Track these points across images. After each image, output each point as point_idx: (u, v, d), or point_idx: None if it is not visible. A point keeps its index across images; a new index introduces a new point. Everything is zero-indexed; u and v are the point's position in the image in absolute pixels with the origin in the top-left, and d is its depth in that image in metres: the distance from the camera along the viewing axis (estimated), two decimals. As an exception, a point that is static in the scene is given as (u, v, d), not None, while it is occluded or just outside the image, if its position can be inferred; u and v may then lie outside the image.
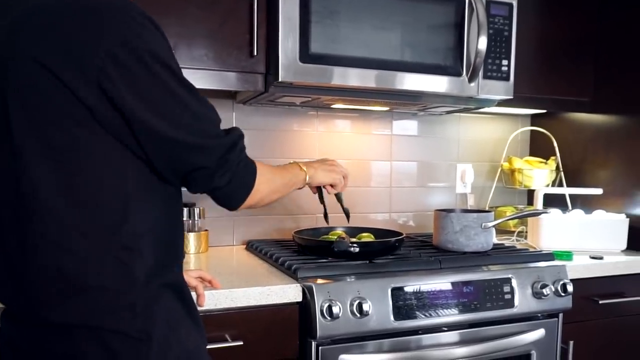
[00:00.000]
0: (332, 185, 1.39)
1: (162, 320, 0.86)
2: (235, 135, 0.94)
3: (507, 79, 1.71)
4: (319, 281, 1.32)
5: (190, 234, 1.72)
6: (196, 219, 1.75)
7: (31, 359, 0.84)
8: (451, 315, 1.41)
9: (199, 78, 1.47)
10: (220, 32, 1.47)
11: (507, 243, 1.90)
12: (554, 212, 1.89)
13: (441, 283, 1.42)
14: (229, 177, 0.92)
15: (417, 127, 2.16)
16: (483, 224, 1.62)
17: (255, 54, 1.48)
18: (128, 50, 0.78)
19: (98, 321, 0.82)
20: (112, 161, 0.82)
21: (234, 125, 1.01)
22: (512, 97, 1.73)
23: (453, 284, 1.43)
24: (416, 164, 2.17)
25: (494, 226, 1.65)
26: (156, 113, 0.81)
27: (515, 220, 2.05)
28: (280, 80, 1.44)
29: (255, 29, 1.48)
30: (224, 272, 1.50)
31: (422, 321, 1.37)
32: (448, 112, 2.04)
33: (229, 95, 1.82)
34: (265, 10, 1.49)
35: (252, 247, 1.77)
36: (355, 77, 1.52)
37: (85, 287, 0.81)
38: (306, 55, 1.46)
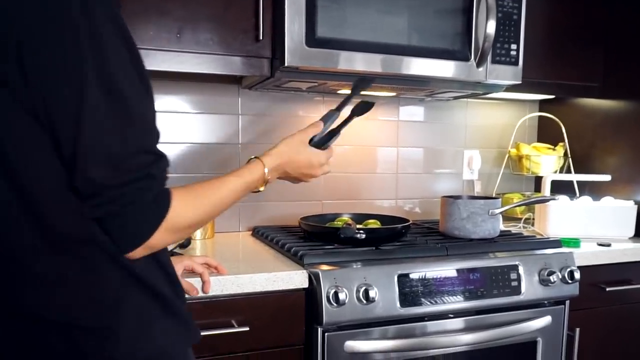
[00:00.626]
0: None
1: (131, 317, 0.82)
2: (139, 168, 0.75)
3: (515, 63, 1.69)
4: (325, 267, 1.31)
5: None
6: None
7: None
8: (457, 302, 1.40)
9: (204, 62, 1.45)
10: (225, 15, 1.46)
11: (514, 230, 1.89)
12: (562, 198, 1.88)
13: (447, 270, 1.42)
14: (105, 210, 0.74)
15: (424, 113, 2.14)
16: (490, 211, 1.61)
17: (261, 38, 1.47)
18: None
19: (66, 316, 0.79)
20: None
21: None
22: (520, 82, 1.71)
23: (459, 270, 1.43)
24: (423, 150, 2.16)
25: (501, 213, 1.64)
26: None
27: (523, 207, 2.04)
28: (286, 64, 1.42)
29: (260, 12, 1.46)
30: (230, 258, 1.50)
31: (428, 308, 1.37)
32: (455, 98, 2.02)
33: (234, 80, 1.80)
34: (270, -7, 1.47)
35: (258, 233, 1.77)
36: (362, 62, 1.51)
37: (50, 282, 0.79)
38: (312, 39, 1.44)
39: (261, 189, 1.03)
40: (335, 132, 1.16)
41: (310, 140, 1.12)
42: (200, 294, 1.21)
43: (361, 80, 1.17)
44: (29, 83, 0.70)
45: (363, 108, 1.18)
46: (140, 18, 1.38)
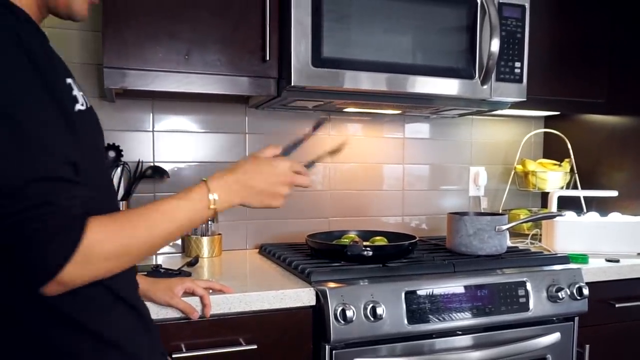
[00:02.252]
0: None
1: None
2: (37, 196, 0.68)
3: (520, 81, 1.70)
4: (333, 285, 1.32)
5: (203, 238, 1.73)
6: (209, 223, 1.76)
7: None
8: (465, 319, 1.40)
9: (212, 83, 1.48)
10: (233, 37, 1.48)
11: (521, 246, 1.89)
12: (569, 214, 1.87)
13: (455, 286, 1.42)
14: (4, 240, 0.69)
15: (429, 130, 2.16)
16: (497, 227, 1.62)
17: (268, 58, 1.49)
18: None
19: None
20: None
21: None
22: (525, 99, 1.72)
23: (467, 287, 1.43)
24: (429, 167, 2.17)
25: (508, 229, 1.64)
26: None
27: (530, 223, 2.04)
28: (292, 84, 1.45)
29: (267, 33, 1.48)
30: (238, 276, 1.51)
31: (436, 325, 1.37)
32: (461, 115, 2.04)
33: (241, 100, 1.83)
34: (277, 15, 1.50)
35: (265, 250, 1.78)
36: (367, 81, 1.53)
37: None
38: (318, 59, 1.46)
39: (212, 207, 0.87)
40: (308, 165, 1.07)
41: None
42: (211, 312, 1.21)
43: (318, 123, 1.14)
44: None
45: (336, 150, 1.16)
46: (150, 41, 1.41)
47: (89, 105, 0.84)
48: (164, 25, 1.42)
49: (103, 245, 0.73)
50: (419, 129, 2.14)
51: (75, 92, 0.80)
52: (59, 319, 0.77)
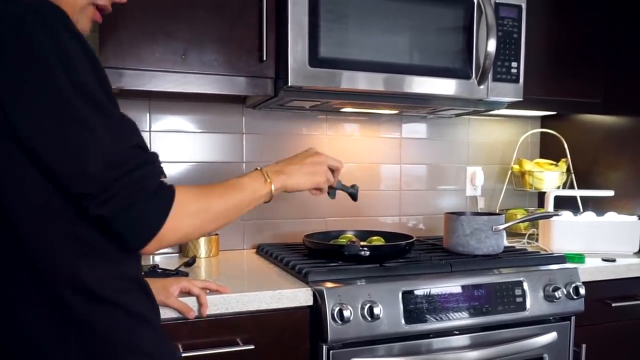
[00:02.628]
0: (317, 189, 1.17)
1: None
2: (135, 159, 0.77)
3: (516, 81, 1.71)
4: (330, 285, 1.32)
5: (200, 238, 1.73)
6: (207, 223, 1.76)
7: None
8: (462, 319, 1.40)
9: (209, 83, 1.48)
10: (230, 37, 1.48)
11: (518, 246, 1.90)
12: (565, 214, 1.88)
13: (452, 286, 1.42)
14: (112, 206, 0.75)
15: (426, 130, 2.16)
16: (494, 227, 1.62)
17: (265, 58, 1.49)
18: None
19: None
20: None
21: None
22: (522, 99, 1.72)
23: (464, 287, 1.43)
24: (426, 167, 2.17)
25: (504, 229, 1.65)
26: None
27: (526, 223, 2.04)
28: (289, 84, 1.45)
29: (264, 33, 1.48)
30: (235, 276, 1.51)
31: (433, 325, 1.37)
32: (457, 115, 2.04)
33: (238, 100, 1.82)
34: (274, 15, 1.50)
35: (263, 250, 1.78)
36: (364, 81, 1.53)
37: None
38: (315, 59, 1.46)
39: (268, 190, 1.01)
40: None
41: None
42: (208, 312, 1.21)
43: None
44: (8, 114, 0.72)
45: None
46: (146, 40, 1.41)
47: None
48: (161, 24, 1.42)
49: (190, 203, 0.83)
50: (416, 129, 2.14)
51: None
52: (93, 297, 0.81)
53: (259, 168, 1.04)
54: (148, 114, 1.77)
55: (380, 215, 2.10)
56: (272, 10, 1.50)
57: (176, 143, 1.81)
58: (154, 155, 0.81)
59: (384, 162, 2.09)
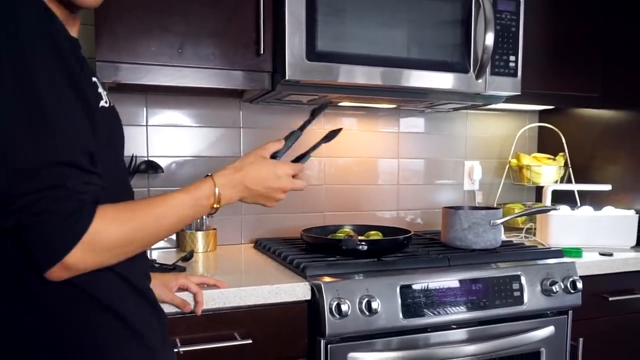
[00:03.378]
0: None
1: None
2: (53, 178, 0.70)
3: (514, 75, 1.70)
4: (328, 279, 1.32)
5: (198, 232, 1.72)
6: (204, 217, 1.76)
7: None
8: (460, 313, 1.40)
9: (206, 77, 1.47)
10: (226, 30, 1.47)
11: (515, 240, 1.90)
12: (563, 208, 1.88)
13: (450, 281, 1.42)
14: (14, 220, 0.70)
15: (424, 125, 2.16)
16: (491, 221, 1.62)
17: (262, 52, 1.48)
18: None
19: None
20: None
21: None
22: (519, 94, 1.72)
23: (462, 281, 1.43)
24: (423, 161, 2.16)
25: (502, 223, 1.65)
26: None
27: (524, 217, 2.04)
28: (287, 78, 1.44)
29: (261, 27, 1.48)
30: (233, 270, 1.50)
31: (430, 319, 1.37)
32: (455, 109, 2.04)
33: (235, 94, 1.82)
34: (271, 8, 1.49)
35: (261, 245, 1.78)
36: (362, 75, 1.52)
37: None
38: (313, 53, 1.45)
39: (216, 206, 0.91)
40: (304, 155, 1.09)
41: (273, 157, 1.02)
42: (206, 307, 1.21)
43: (321, 106, 1.14)
44: None
45: (331, 135, 1.14)
46: (142, 34, 1.40)
47: (111, 104, 0.88)
48: (157, 18, 1.41)
49: (110, 234, 0.75)
50: (414, 123, 2.14)
51: (100, 89, 0.85)
52: (74, 294, 0.78)
53: (210, 175, 0.92)
54: (145, 108, 1.76)
55: (378, 209, 2.10)
56: (269, 3, 1.49)
57: (173, 137, 1.80)
58: (83, 178, 0.73)
59: (382, 156, 2.09)
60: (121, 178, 0.92)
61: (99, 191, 0.75)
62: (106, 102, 0.85)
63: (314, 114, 1.13)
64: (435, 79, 1.61)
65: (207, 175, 0.93)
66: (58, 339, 0.79)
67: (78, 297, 0.79)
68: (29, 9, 0.72)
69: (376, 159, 2.08)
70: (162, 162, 1.76)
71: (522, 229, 2.05)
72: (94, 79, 0.83)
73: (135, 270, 0.87)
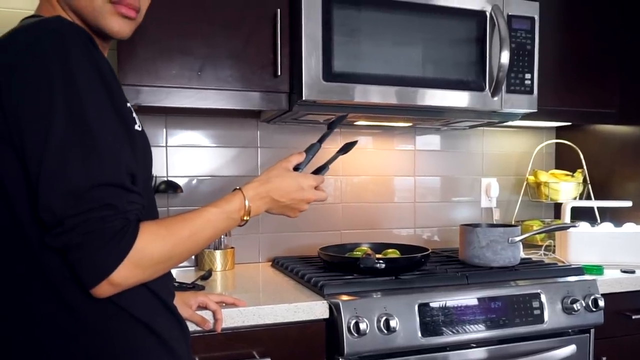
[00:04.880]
0: None
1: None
2: (99, 200, 0.74)
3: (530, 92, 1.70)
4: (345, 298, 1.32)
5: (216, 251, 1.74)
6: (222, 236, 1.77)
7: None
8: (479, 332, 1.39)
9: (224, 98, 1.50)
10: (245, 52, 1.50)
11: (534, 257, 1.88)
12: (583, 225, 1.86)
13: (468, 299, 1.41)
14: (65, 241, 0.74)
15: (440, 142, 2.16)
16: (510, 239, 1.61)
17: (279, 73, 1.51)
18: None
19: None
20: None
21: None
22: (536, 111, 1.72)
23: (481, 299, 1.42)
24: (440, 178, 2.16)
25: (521, 241, 1.64)
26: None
27: (543, 235, 2.02)
28: (304, 98, 1.46)
29: (278, 48, 1.50)
30: (251, 289, 1.51)
31: (449, 337, 1.36)
32: (471, 127, 2.04)
33: (253, 114, 1.84)
34: (287, 30, 1.52)
35: (278, 264, 1.78)
36: (378, 94, 1.54)
37: None
38: (329, 73, 1.48)
39: (246, 218, 0.95)
40: (323, 167, 1.12)
41: (295, 170, 1.06)
42: (224, 325, 1.22)
43: (338, 118, 1.18)
44: (8, 122, 0.75)
45: (347, 147, 1.17)
46: (163, 58, 1.44)
47: (142, 128, 0.92)
48: (177, 42, 1.45)
49: (152, 250, 0.79)
50: (430, 141, 2.14)
51: (134, 114, 0.88)
52: (115, 311, 0.82)
53: (239, 188, 0.97)
54: (165, 129, 1.80)
55: (394, 227, 2.10)
56: (286, 26, 1.52)
57: (192, 157, 1.83)
58: (128, 198, 0.77)
59: (398, 174, 2.10)
60: (151, 197, 0.96)
61: (140, 210, 0.80)
62: (139, 125, 0.89)
63: (331, 127, 1.16)
64: (451, 97, 1.62)
65: (236, 189, 0.97)
66: (97, 354, 0.81)
67: (117, 314, 0.82)
68: (77, 40, 0.77)
69: (392, 177, 2.09)
70: (182, 182, 1.79)
71: (541, 246, 2.03)
72: (128, 104, 0.87)
73: (164, 287, 0.90)
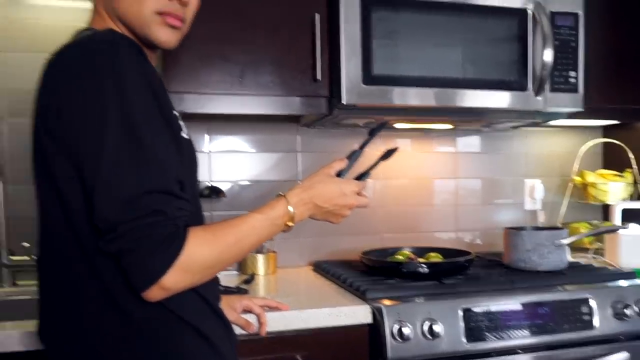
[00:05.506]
0: None
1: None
2: (150, 206, 0.76)
3: (575, 90, 1.66)
4: (389, 302, 1.31)
5: (259, 255, 1.75)
6: (264, 240, 1.79)
7: None
8: (525, 337, 1.36)
9: (265, 104, 1.52)
10: (285, 58, 1.52)
11: (583, 261, 1.82)
12: (634, 227, 1.79)
13: (514, 304, 1.38)
14: (118, 246, 0.77)
15: (481, 143, 2.12)
16: (557, 242, 1.57)
17: (319, 78, 1.51)
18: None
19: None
20: None
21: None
22: (582, 109, 1.67)
23: (527, 304, 1.39)
24: (482, 180, 2.13)
25: (568, 244, 1.59)
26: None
27: (591, 237, 1.96)
28: (344, 102, 1.46)
29: (318, 53, 1.51)
30: (293, 293, 1.52)
31: (495, 343, 1.33)
32: (514, 127, 2.00)
33: (292, 119, 1.85)
34: (327, 35, 1.53)
35: (320, 268, 1.79)
36: (418, 97, 1.52)
37: None
38: (369, 77, 1.47)
39: (290, 224, 0.96)
40: (365, 174, 1.13)
41: (338, 176, 1.07)
42: (268, 329, 1.23)
43: (379, 125, 1.19)
44: (65, 132, 0.79)
45: (388, 154, 1.17)
46: (205, 64, 1.47)
47: (189, 136, 0.94)
48: (219, 48, 1.47)
49: (201, 255, 0.81)
50: (471, 143, 2.11)
51: (180, 122, 0.91)
52: (165, 315, 0.84)
53: (282, 194, 0.97)
54: (207, 135, 1.83)
55: (435, 230, 2.07)
56: (325, 30, 1.52)
57: (234, 162, 1.85)
58: (177, 204, 0.79)
59: (439, 176, 2.07)
60: (197, 203, 0.98)
61: (188, 216, 0.82)
62: (186, 133, 0.92)
63: (372, 134, 1.16)
64: (493, 98, 1.59)
65: (279, 195, 0.98)
66: (147, 356, 0.84)
67: (167, 317, 0.84)
68: (128, 53, 0.80)
69: (433, 180, 2.07)
70: (224, 187, 1.82)
71: (588, 249, 1.96)
72: (175, 112, 0.89)
73: (211, 291, 0.92)
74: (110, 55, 0.78)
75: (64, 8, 1.69)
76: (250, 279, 1.61)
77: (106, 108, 0.76)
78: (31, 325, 1.02)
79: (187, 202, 0.82)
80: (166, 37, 0.92)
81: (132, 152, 0.76)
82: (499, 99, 1.60)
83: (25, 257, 1.62)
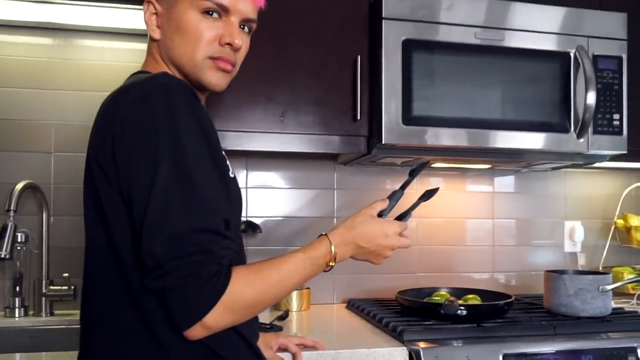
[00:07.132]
0: None
1: None
2: (198, 244, 0.77)
3: (619, 133, 1.64)
4: (425, 345, 1.29)
5: (293, 291, 1.75)
6: (299, 276, 1.79)
7: None
8: (569, 387, 1.31)
9: (305, 142, 1.54)
10: (326, 98, 1.55)
11: (627, 307, 1.76)
12: (680, 274, 1.73)
13: (556, 350, 1.34)
14: (163, 283, 0.77)
15: (519, 184, 2.10)
16: (600, 287, 1.52)
17: (359, 117, 1.54)
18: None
19: None
20: None
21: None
22: (626, 152, 1.64)
23: (569, 351, 1.34)
24: (520, 221, 2.09)
25: (613, 289, 1.54)
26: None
27: (635, 283, 1.90)
28: (383, 142, 1.48)
29: (358, 94, 1.54)
30: (327, 331, 1.51)
31: (537, 392, 1.29)
32: (554, 168, 1.97)
33: (330, 157, 1.87)
34: (367, 76, 1.56)
35: (354, 306, 1.77)
36: (456, 137, 1.53)
37: None
38: (409, 117, 1.49)
39: (331, 264, 0.96)
40: (406, 214, 1.12)
41: (379, 216, 1.06)
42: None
43: (420, 166, 1.19)
44: (118, 169, 0.81)
45: (429, 194, 1.17)
46: (248, 103, 1.51)
47: (234, 175, 0.96)
48: (263, 88, 1.51)
49: (244, 294, 0.81)
50: (508, 183, 2.09)
51: (228, 162, 0.93)
52: (204, 353, 0.85)
53: (324, 234, 0.97)
54: (245, 171, 1.86)
55: (472, 271, 2.04)
56: (366, 72, 1.55)
57: (270, 198, 1.88)
58: (223, 243, 0.80)
59: (476, 216, 2.05)
60: (240, 241, 0.99)
61: (233, 255, 0.83)
62: (232, 173, 0.94)
63: (413, 174, 1.17)
64: (533, 139, 1.58)
65: (322, 234, 0.98)
66: None
67: (206, 353, 0.84)
68: (182, 95, 0.83)
69: (469, 220, 2.04)
70: (260, 222, 1.83)
71: (632, 295, 1.90)
72: (223, 152, 0.91)
73: (250, 329, 0.92)
74: (165, 97, 0.82)
75: (112, 49, 1.78)
76: (284, 315, 1.61)
77: (159, 147, 0.79)
78: (69, 356, 1.04)
79: (232, 241, 0.83)
80: (217, 80, 0.95)
81: (181, 191, 0.78)
82: (540, 141, 1.59)
83: (64, 287, 1.66)
